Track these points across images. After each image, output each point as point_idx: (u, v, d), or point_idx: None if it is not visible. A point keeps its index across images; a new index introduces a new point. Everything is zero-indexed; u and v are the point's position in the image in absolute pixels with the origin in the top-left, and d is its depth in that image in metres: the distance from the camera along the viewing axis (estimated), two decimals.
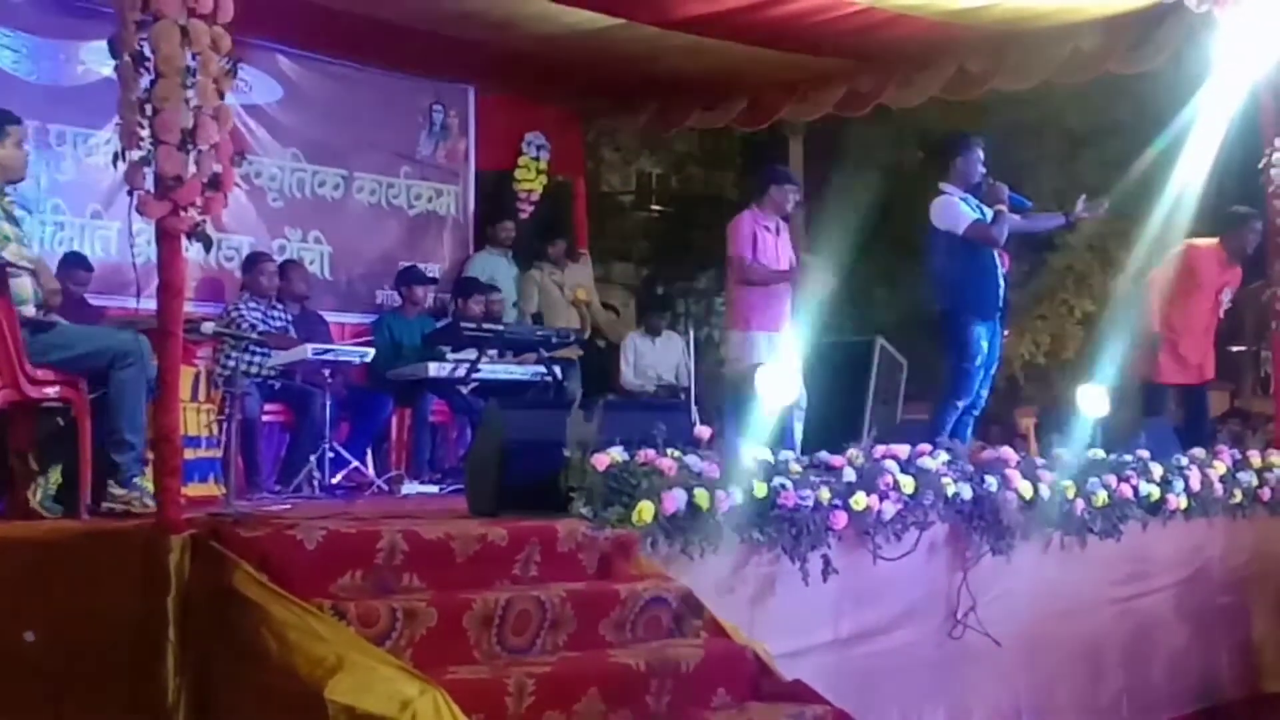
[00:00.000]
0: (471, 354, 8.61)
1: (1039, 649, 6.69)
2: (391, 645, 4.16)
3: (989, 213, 7.96)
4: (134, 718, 4.24)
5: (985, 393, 8.10)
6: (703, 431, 5.81)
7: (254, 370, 8.09)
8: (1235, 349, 12.77)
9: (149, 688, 4.18)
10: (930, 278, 8.10)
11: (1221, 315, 9.21)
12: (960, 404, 7.86)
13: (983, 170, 8.05)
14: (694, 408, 8.10)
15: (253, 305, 8.41)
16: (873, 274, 16.03)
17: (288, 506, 6.39)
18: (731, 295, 8.57)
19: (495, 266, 10.22)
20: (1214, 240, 9.04)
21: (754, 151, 18.35)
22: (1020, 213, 8.14)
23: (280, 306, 8.63)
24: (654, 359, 10.48)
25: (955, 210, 7.93)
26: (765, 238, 8.42)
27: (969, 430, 7.94)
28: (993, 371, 8.13)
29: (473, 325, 8.71)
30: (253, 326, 8.18)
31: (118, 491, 5.35)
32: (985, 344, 7.91)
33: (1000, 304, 8.03)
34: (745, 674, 4.85)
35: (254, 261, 8.70)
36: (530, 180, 10.91)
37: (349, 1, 8.17)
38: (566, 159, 11.32)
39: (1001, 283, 8.02)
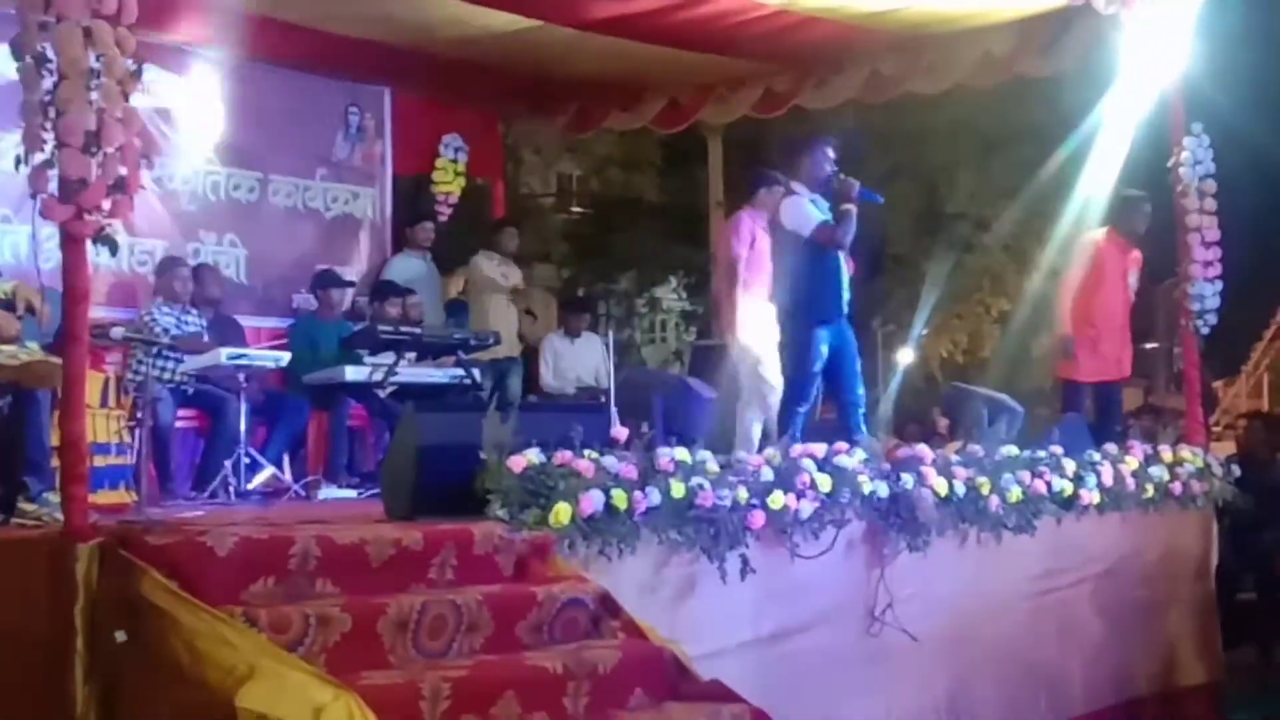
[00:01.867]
0: (389, 357, 8.56)
1: (957, 645, 6.74)
2: (304, 651, 4.13)
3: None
4: None
5: (861, 390, 7.99)
6: (620, 433, 5.80)
7: (166, 375, 7.99)
8: (1148, 346, 12.92)
9: (57, 699, 4.12)
10: (776, 279, 8.06)
11: (1132, 297, 9.25)
12: (801, 409, 7.74)
13: (830, 169, 7.93)
14: (613, 409, 8.09)
15: (166, 310, 8.30)
16: None
17: (201, 513, 6.33)
18: (728, 300, 8.51)
19: (414, 269, 10.15)
20: (1105, 229, 9.14)
21: (673, 154, 18.43)
22: (869, 206, 8.02)
23: (194, 311, 8.52)
24: (573, 361, 10.46)
25: (802, 212, 7.85)
26: (762, 238, 8.42)
27: (861, 424, 7.85)
28: (858, 368, 7.97)
29: (390, 329, 8.66)
30: (165, 331, 8.07)
31: (28, 507, 5.29)
32: (826, 347, 7.75)
33: (843, 306, 7.89)
34: (663, 674, 4.85)
35: (167, 266, 8.59)
36: (448, 183, 10.86)
37: (261, 3, 8.09)
38: (485, 161, 11.28)
39: (845, 285, 7.90)
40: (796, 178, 7.99)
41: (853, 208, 7.75)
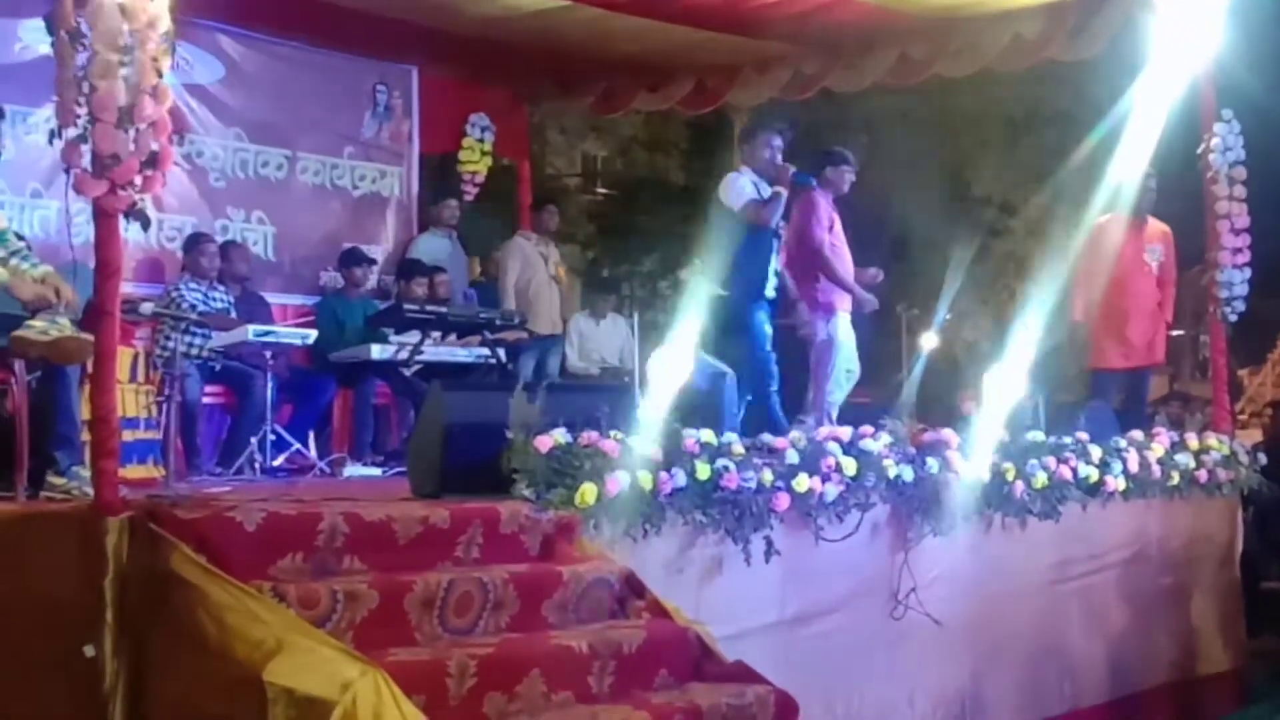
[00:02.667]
0: (415, 336, 8.58)
1: (980, 630, 6.74)
2: (332, 627, 4.14)
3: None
4: (71, 700, 4.21)
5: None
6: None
7: (194, 352, 8.03)
8: (1175, 333, 12.88)
9: (86, 670, 4.14)
10: (716, 256, 8.05)
11: (1156, 272, 9.18)
12: (773, 388, 7.80)
13: (771, 156, 8.09)
14: (638, 390, 8.08)
15: (193, 286, 8.34)
16: None
17: (228, 489, 6.36)
18: (805, 284, 8.50)
19: (439, 248, 10.17)
20: (1113, 212, 9.11)
21: (698, 135, 18.41)
22: (804, 189, 8.16)
23: (221, 287, 8.56)
24: (599, 342, 10.47)
25: (737, 187, 8.01)
26: (834, 217, 8.53)
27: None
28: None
29: (416, 307, 8.67)
30: (193, 307, 8.12)
31: (57, 481, 5.31)
32: (769, 327, 7.89)
33: (766, 289, 7.97)
34: (687, 655, 4.87)
35: (195, 242, 8.63)
36: (475, 162, 10.87)
37: None
38: (511, 141, 11.27)
39: (772, 270, 8.01)
40: (745, 161, 8.21)
41: (783, 191, 7.94)
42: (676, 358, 7.20)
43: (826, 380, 8.40)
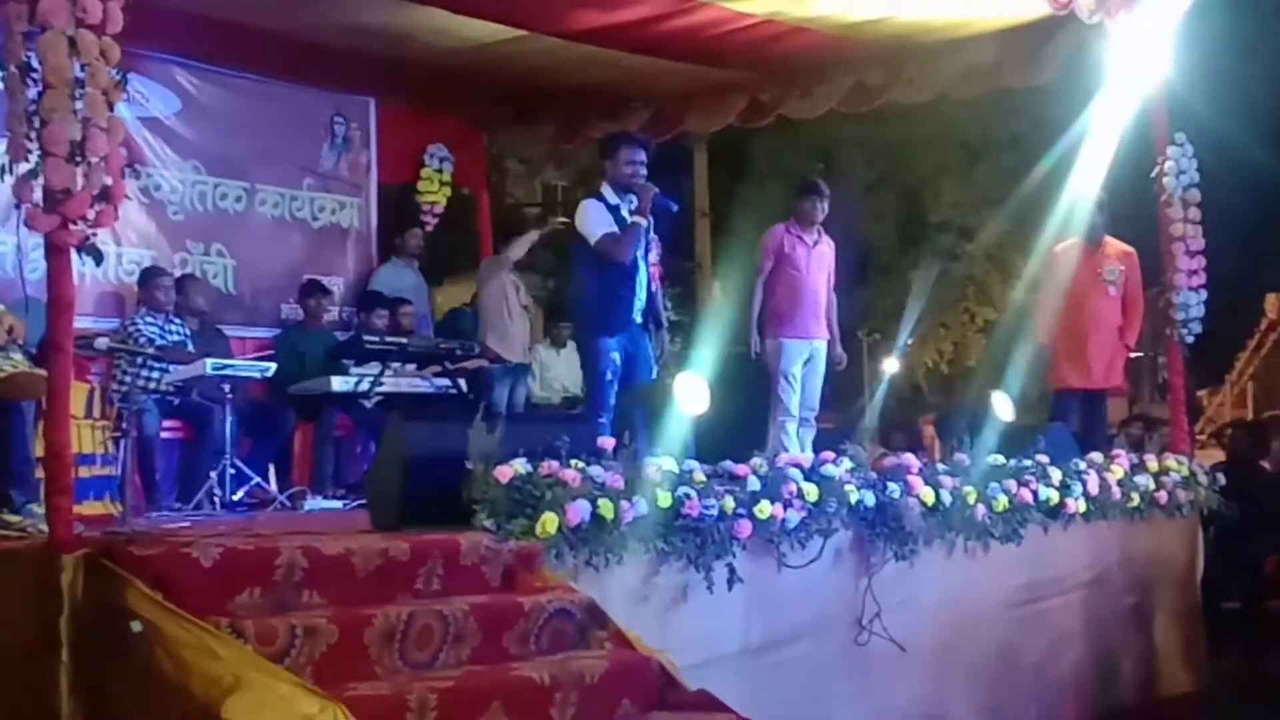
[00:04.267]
0: (375, 367, 8.55)
1: (944, 654, 6.74)
2: (291, 663, 4.11)
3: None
4: None
5: None
6: (606, 442, 5.79)
7: (151, 386, 7.97)
8: (1134, 355, 12.95)
9: (41, 710, 4.11)
10: (571, 284, 7.72)
11: (1114, 293, 9.23)
12: (601, 419, 7.13)
13: (632, 171, 7.39)
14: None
15: (150, 320, 8.29)
16: None
17: (186, 524, 6.30)
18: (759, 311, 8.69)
19: (402, 278, 10.14)
20: (1070, 237, 9.21)
21: (657, 163, 18.42)
22: (664, 216, 7.65)
23: (179, 321, 8.50)
24: (559, 371, 10.46)
25: (593, 216, 7.37)
26: (797, 248, 8.63)
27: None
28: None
29: (375, 338, 8.64)
30: (150, 341, 8.06)
31: (12, 519, 5.27)
32: (617, 355, 7.31)
33: (634, 315, 7.43)
34: (650, 684, 4.84)
35: (150, 276, 8.57)
36: (433, 192, 10.84)
37: (246, 14, 8.07)
38: (469, 171, 11.27)
39: (639, 293, 7.44)
40: (606, 177, 7.58)
41: (641, 221, 7.34)
42: None
43: (775, 406, 8.45)
